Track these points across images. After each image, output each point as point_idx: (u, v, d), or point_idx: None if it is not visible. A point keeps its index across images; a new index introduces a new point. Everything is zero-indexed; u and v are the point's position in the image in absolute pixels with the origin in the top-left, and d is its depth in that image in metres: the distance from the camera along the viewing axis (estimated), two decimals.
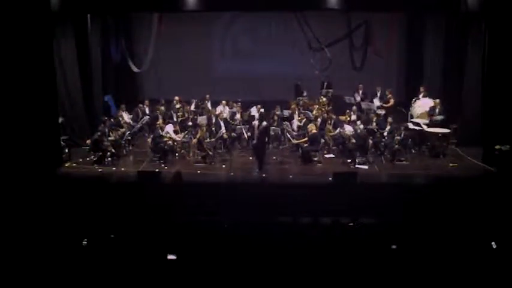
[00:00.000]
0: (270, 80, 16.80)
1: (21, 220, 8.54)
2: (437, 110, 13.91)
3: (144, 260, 7.06)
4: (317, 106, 14.73)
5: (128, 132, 13.85)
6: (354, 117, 14.10)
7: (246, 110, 14.81)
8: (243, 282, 6.78)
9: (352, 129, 13.08)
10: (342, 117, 14.46)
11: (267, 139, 13.28)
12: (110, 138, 13.06)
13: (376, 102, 15.10)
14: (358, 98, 15.33)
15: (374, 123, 13.73)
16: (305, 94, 15.68)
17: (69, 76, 14.05)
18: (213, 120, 14.11)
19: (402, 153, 13.06)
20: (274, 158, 13.38)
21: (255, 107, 14.64)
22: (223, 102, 15.00)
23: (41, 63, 12.13)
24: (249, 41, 17.37)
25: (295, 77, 16.36)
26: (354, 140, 12.75)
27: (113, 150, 12.92)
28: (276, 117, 14.14)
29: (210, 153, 12.88)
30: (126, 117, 14.64)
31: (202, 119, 14.08)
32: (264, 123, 12.71)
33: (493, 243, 7.31)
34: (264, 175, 12.29)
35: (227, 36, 17.49)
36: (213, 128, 13.74)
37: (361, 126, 13.26)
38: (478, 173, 12.36)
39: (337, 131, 13.50)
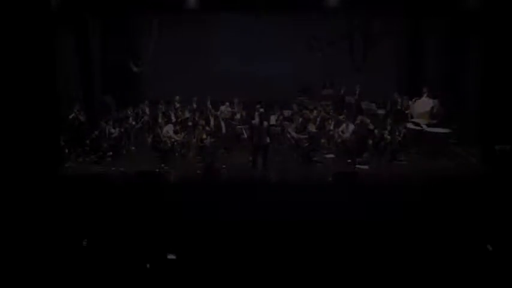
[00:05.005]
0: (270, 80, 16.80)
1: (21, 220, 8.55)
2: (435, 110, 13.94)
3: (144, 260, 7.07)
4: (319, 107, 14.75)
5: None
6: (359, 118, 14.06)
7: (246, 110, 14.83)
8: (243, 282, 6.79)
9: (348, 129, 13.09)
10: (342, 118, 14.44)
11: (268, 139, 13.28)
12: (109, 137, 13.12)
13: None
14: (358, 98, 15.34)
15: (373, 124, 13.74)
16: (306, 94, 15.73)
17: (69, 76, 14.05)
18: (213, 120, 14.13)
19: (402, 153, 13.07)
20: (274, 157, 13.38)
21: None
22: (228, 102, 15.04)
23: (41, 63, 12.13)
24: (250, 41, 17.35)
25: (296, 77, 16.37)
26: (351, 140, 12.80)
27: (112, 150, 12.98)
28: (277, 117, 14.16)
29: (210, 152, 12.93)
30: (129, 118, 14.67)
31: (200, 119, 14.10)
32: (265, 123, 12.74)
33: (488, 246, 7.31)
34: (263, 175, 12.30)
35: (227, 36, 17.47)
36: (213, 128, 13.75)
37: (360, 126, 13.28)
38: (478, 173, 12.36)
39: (340, 129, 13.53)
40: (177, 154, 13.45)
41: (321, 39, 16.18)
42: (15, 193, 9.92)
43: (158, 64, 16.93)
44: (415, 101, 14.56)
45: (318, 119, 14.09)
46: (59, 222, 8.47)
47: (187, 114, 14.75)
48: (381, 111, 14.72)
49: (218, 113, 14.53)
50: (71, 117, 13.52)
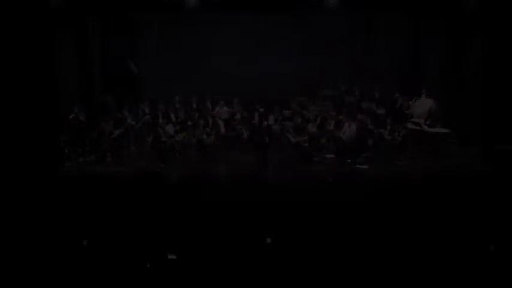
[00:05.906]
0: (270, 80, 16.80)
1: (21, 220, 8.55)
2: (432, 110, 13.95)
3: (144, 260, 7.06)
4: (319, 107, 14.76)
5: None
6: (359, 118, 14.06)
7: (246, 110, 14.83)
8: (242, 282, 6.78)
9: (350, 129, 13.09)
10: (341, 117, 14.44)
11: (267, 139, 13.30)
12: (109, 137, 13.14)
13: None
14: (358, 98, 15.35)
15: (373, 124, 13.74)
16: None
17: (69, 76, 14.05)
18: (211, 120, 14.13)
19: (402, 153, 13.07)
20: (274, 157, 13.37)
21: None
22: (222, 102, 15.03)
23: (41, 63, 12.15)
24: (249, 41, 17.36)
25: (296, 77, 16.37)
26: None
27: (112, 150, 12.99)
28: (276, 117, 14.16)
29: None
30: (129, 118, 14.67)
31: (200, 119, 14.11)
32: (265, 122, 12.77)
33: (491, 246, 7.31)
34: (263, 175, 12.29)
35: (227, 36, 17.47)
36: (213, 128, 13.76)
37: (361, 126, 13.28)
38: (478, 173, 12.35)
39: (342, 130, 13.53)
40: (177, 154, 13.45)
41: (321, 39, 16.16)
42: (15, 193, 9.92)
43: (158, 64, 16.93)
44: (415, 101, 14.55)
45: (318, 119, 14.09)
46: (59, 222, 8.47)
47: (186, 114, 14.76)
48: (381, 111, 14.71)
49: (214, 112, 14.53)
50: (71, 117, 13.52)
